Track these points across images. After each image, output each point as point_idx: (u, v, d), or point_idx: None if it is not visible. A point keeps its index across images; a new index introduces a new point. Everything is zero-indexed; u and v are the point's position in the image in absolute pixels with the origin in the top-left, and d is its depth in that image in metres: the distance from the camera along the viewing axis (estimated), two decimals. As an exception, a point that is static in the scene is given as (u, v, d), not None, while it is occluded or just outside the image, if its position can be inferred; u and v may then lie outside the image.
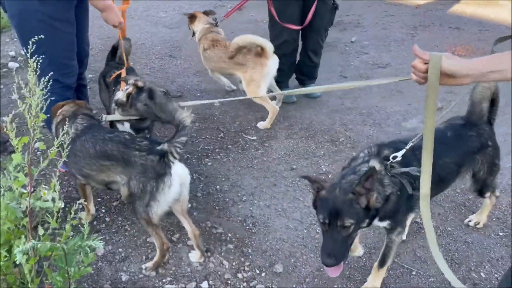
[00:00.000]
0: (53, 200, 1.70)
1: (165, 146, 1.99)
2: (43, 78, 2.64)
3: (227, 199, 2.67)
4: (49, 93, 2.61)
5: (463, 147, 2.07)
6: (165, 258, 2.15)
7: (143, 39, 5.25)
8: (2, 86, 3.97)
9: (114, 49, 3.09)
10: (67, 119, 2.12)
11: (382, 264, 1.95)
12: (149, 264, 2.15)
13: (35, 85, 1.67)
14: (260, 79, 3.33)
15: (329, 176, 2.85)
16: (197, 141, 3.24)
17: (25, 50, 2.59)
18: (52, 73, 2.58)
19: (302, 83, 4.00)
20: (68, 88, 2.70)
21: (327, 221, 1.65)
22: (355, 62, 4.70)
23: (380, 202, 1.73)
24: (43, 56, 2.51)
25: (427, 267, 2.20)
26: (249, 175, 2.90)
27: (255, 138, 3.31)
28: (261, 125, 3.46)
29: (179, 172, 2.05)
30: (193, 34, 3.82)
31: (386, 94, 3.99)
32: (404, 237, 2.35)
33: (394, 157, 1.76)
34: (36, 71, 1.74)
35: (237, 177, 2.87)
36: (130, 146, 2.03)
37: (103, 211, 2.53)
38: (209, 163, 3.00)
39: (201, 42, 3.63)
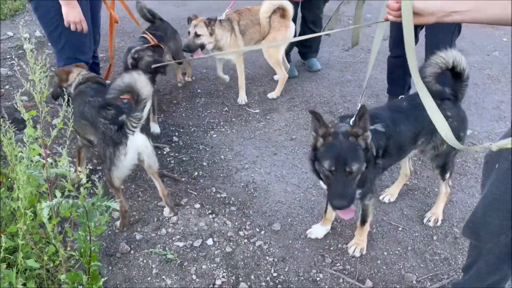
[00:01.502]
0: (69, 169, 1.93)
1: (123, 118, 2.15)
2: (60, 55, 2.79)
3: (230, 167, 2.87)
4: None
5: (418, 115, 2.02)
6: (126, 220, 2.38)
7: (151, 18, 5.39)
8: (18, 67, 4.19)
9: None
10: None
11: (363, 222, 2.16)
12: (118, 223, 2.39)
13: (34, 64, 1.84)
14: (281, 41, 3.50)
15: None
16: (203, 115, 3.44)
17: (43, 31, 2.74)
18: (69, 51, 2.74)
19: (304, 56, 4.15)
20: (85, 63, 2.80)
21: (333, 168, 1.70)
22: (357, 35, 4.79)
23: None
24: (63, 36, 2.68)
25: (412, 224, 2.40)
26: (252, 145, 3.09)
27: (258, 111, 3.50)
28: (271, 95, 3.67)
29: (137, 143, 2.18)
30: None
31: (385, 66, 4.10)
32: (393, 199, 2.55)
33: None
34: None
35: (240, 148, 3.06)
36: (100, 113, 2.22)
37: (117, 179, 2.76)
38: (214, 135, 3.20)
39: (233, 25, 3.45)
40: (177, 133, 3.20)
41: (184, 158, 2.94)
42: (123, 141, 2.15)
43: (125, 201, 2.35)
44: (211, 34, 3.24)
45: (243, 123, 3.34)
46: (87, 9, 2.72)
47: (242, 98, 3.62)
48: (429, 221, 2.39)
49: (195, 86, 3.87)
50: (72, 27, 2.57)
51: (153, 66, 2.87)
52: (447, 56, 1.95)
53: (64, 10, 2.50)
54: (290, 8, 3.41)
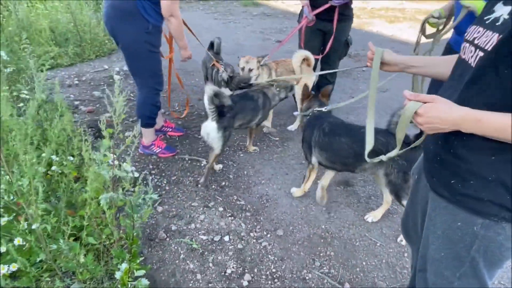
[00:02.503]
0: (130, 172, 1.98)
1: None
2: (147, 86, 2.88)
3: (250, 181, 2.86)
4: (150, 97, 2.86)
5: (357, 128, 2.19)
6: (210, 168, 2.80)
7: (207, 62, 5.53)
8: (108, 92, 4.40)
9: (212, 44, 3.63)
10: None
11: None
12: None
13: (119, 95, 1.91)
14: (310, 84, 3.57)
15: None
16: (234, 138, 3.46)
17: (129, 68, 2.80)
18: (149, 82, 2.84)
19: (319, 100, 4.13)
20: (160, 92, 2.91)
21: None
22: (363, 86, 4.73)
23: None
24: (148, 71, 2.76)
25: (388, 241, 2.29)
26: (269, 165, 3.08)
27: (277, 139, 3.48)
28: (292, 127, 3.69)
29: (207, 126, 2.61)
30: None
31: (382, 112, 4.02)
32: (375, 220, 2.45)
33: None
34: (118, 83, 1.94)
35: (260, 166, 3.06)
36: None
37: (165, 182, 2.81)
38: (241, 155, 3.21)
39: (271, 71, 3.49)
40: (214, 151, 3.24)
41: (216, 171, 2.96)
42: (205, 121, 2.65)
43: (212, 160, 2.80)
44: (258, 68, 3.27)
45: (265, 147, 3.33)
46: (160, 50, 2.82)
47: (267, 128, 3.62)
48: (402, 240, 2.27)
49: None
50: (185, 60, 2.97)
51: (243, 84, 3.22)
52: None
53: (182, 52, 2.86)
54: (312, 58, 3.46)
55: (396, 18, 8.71)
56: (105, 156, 2.03)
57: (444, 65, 1.31)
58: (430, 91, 2.81)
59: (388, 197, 2.42)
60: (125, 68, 5.15)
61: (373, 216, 2.45)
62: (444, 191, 1.10)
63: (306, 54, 3.43)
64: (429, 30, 2.40)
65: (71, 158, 2.43)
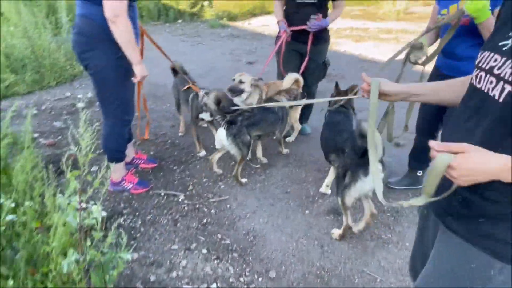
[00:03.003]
0: (98, 218, 1.71)
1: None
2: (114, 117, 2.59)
3: (234, 215, 2.65)
4: (117, 127, 2.57)
5: (340, 127, 2.57)
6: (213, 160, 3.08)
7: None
8: (70, 122, 4.06)
9: (174, 69, 3.48)
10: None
11: None
12: None
13: (85, 131, 1.67)
14: (297, 114, 3.68)
15: (316, 198, 2.84)
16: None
17: (97, 96, 2.52)
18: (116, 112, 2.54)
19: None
20: (128, 123, 2.67)
21: None
22: (339, 106, 4.70)
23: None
24: (117, 99, 2.48)
25: (388, 275, 2.14)
26: (253, 196, 2.88)
27: (259, 166, 3.31)
28: (290, 138, 3.77)
29: (219, 133, 2.78)
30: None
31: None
32: (356, 230, 2.32)
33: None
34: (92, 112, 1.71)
35: (243, 198, 2.85)
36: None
37: (139, 222, 2.53)
38: (222, 186, 2.99)
39: (262, 94, 3.41)
40: (191, 182, 3.00)
41: (196, 206, 2.73)
42: (217, 128, 2.82)
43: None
44: (251, 86, 3.24)
45: (246, 176, 3.14)
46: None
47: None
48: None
49: (212, 141, 3.70)
50: (142, 80, 2.48)
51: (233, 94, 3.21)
52: (364, 128, 1.93)
53: (137, 69, 2.38)
54: (302, 80, 3.41)
55: (361, 38, 8.97)
56: (69, 203, 1.77)
57: (448, 91, 1.24)
58: (420, 117, 2.73)
59: (367, 210, 2.40)
60: (90, 95, 4.83)
61: (357, 228, 2.38)
62: (459, 228, 1.03)
63: (297, 77, 3.38)
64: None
65: (31, 203, 2.11)
